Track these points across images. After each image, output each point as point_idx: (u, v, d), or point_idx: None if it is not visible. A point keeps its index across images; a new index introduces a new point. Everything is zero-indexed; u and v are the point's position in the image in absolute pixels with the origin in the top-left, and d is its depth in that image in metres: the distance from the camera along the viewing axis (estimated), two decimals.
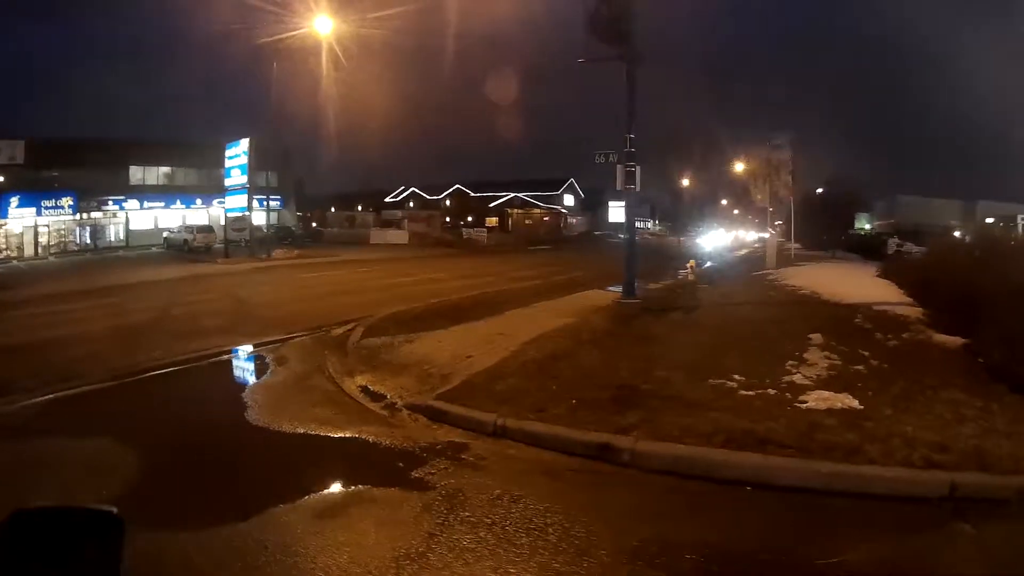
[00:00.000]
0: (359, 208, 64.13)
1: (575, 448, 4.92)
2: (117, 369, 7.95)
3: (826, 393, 6.05)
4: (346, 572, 3.21)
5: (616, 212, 61.31)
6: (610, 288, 14.91)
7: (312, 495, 4.22)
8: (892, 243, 35.22)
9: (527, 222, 66.01)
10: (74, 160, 41.74)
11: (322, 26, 24.45)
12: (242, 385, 7.59)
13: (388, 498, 4.15)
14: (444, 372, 7.33)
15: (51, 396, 6.78)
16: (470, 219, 63.63)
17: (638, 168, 12.04)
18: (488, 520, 3.76)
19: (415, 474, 4.51)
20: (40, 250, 39.81)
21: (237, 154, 32.57)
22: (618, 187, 12.42)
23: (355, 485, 4.37)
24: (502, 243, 48.28)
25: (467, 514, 3.85)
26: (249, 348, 9.60)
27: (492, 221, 64.88)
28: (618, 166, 12.13)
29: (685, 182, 50.15)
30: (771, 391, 6.17)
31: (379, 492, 4.25)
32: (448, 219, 62.48)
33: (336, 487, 4.41)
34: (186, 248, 35.79)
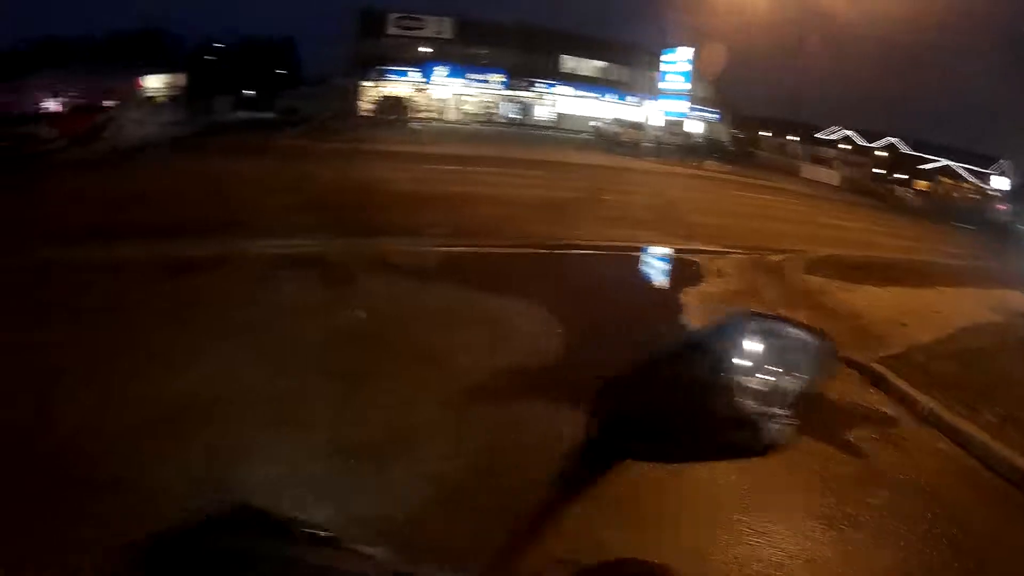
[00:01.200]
0: (788, 137, 60.67)
1: (998, 466, 4.41)
2: (545, 237, 8.95)
3: None
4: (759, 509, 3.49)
5: None
6: None
7: None
8: None
9: (954, 195, 55.55)
10: (501, 41, 43.73)
11: None
12: (675, 288, 8.02)
13: (813, 450, 4.23)
14: (878, 333, 6.98)
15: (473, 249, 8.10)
16: (899, 176, 56.17)
17: None
18: (907, 521, 3.63)
19: (844, 435, 4.52)
20: (463, 116, 43.21)
21: (676, 60, 32.87)
22: None
23: None
24: (927, 209, 41.58)
25: (883, 499, 3.79)
26: (682, 252, 9.99)
27: (922, 184, 56.21)
28: None
29: None
30: None
31: (805, 439, 4.27)
32: (877, 171, 55.99)
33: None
34: (614, 141, 36.80)
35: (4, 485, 2.89)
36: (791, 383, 1.01)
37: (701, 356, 1.08)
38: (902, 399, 5.33)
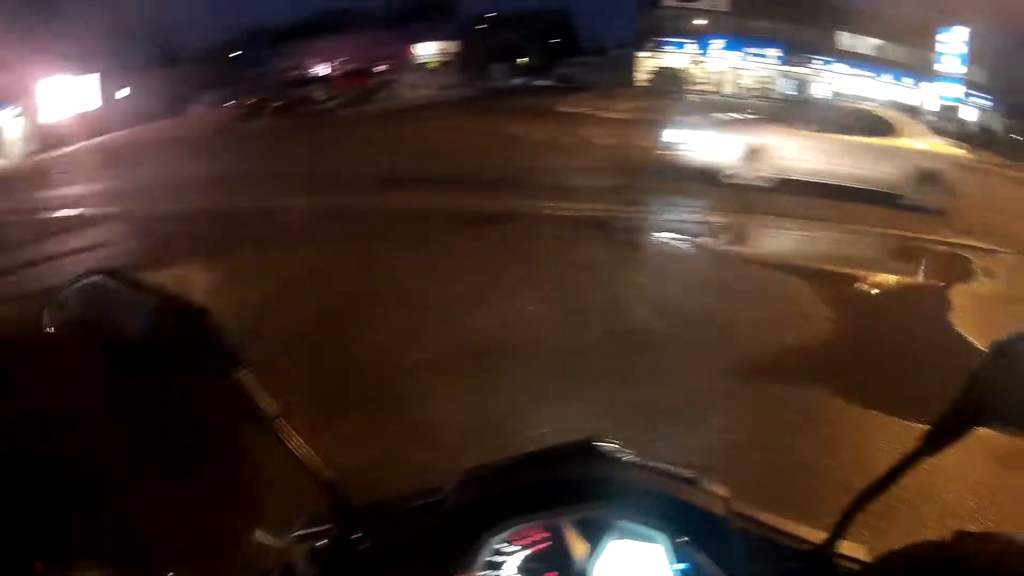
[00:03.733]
0: None
1: None
2: None
3: None
4: None
5: None
6: None
7: None
8: None
9: None
10: (779, 14, 41.68)
11: None
12: None
13: None
14: None
15: None
16: None
17: None
18: None
19: None
20: (739, 90, 41.93)
21: (952, 41, 30.23)
22: None
23: None
24: None
25: None
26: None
27: None
28: None
29: None
30: None
31: None
32: None
33: None
34: None
35: None
36: None
37: None
38: None
